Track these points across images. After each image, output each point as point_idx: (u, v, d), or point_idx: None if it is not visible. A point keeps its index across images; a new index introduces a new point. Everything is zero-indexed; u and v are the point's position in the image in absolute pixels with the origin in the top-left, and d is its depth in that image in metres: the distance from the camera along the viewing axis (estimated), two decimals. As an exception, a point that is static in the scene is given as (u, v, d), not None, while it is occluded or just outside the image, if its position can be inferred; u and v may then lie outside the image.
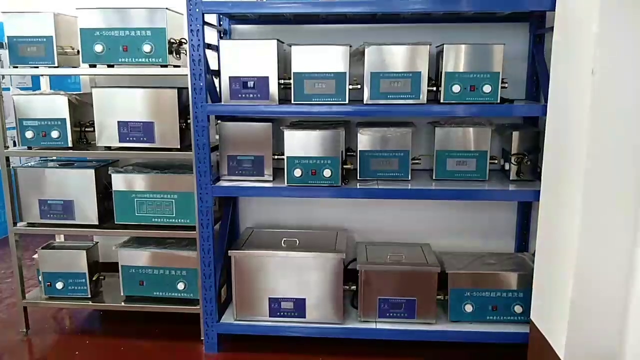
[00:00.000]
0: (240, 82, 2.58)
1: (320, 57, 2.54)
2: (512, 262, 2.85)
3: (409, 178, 2.75)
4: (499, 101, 2.54)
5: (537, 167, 2.73)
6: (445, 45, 2.54)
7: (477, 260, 2.86)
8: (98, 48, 2.62)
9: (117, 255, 2.87)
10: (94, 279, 2.95)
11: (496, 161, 2.80)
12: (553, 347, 2.26)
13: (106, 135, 2.73)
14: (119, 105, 2.70)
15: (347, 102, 2.56)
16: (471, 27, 2.90)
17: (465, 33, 2.88)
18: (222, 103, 2.61)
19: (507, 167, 2.79)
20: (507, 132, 2.82)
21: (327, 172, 2.61)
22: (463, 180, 2.74)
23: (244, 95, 2.59)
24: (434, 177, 2.77)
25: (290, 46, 2.57)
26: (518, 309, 2.68)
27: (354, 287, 2.77)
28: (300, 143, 2.62)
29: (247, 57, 2.57)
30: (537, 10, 2.54)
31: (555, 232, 2.29)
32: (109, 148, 2.77)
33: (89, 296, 2.93)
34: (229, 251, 2.72)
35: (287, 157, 2.63)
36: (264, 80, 2.57)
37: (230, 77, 2.58)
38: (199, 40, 2.49)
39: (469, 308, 2.70)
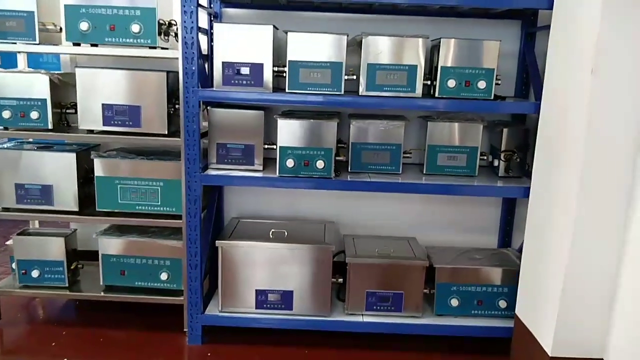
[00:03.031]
0: (234, 68, 2.50)
1: (316, 46, 2.48)
2: (497, 257, 2.89)
3: (400, 172, 2.74)
4: (492, 98, 2.55)
5: (525, 164, 2.76)
6: (442, 39, 2.53)
7: (463, 255, 2.88)
8: (83, 26, 2.49)
9: (97, 244, 2.77)
10: (72, 267, 2.84)
11: (485, 157, 2.82)
12: (539, 341, 2.30)
13: (89, 117, 2.61)
14: (103, 87, 2.58)
15: (342, 92, 2.52)
16: (464, 22, 2.90)
17: (457, 28, 2.88)
18: (214, 89, 2.53)
19: (495, 163, 2.82)
20: (497, 129, 2.84)
21: (320, 164, 2.57)
22: (453, 176, 2.75)
23: (237, 82, 2.52)
24: (424, 172, 2.77)
25: (286, 33, 2.51)
26: (502, 303, 2.71)
27: (340, 280, 2.75)
28: (294, 133, 2.57)
29: (241, 42, 2.49)
30: (533, 8, 2.56)
31: (545, 229, 2.32)
32: (91, 131, 2.65)
33: (67, 285, 2.82)
34: (216, 241, 2.65)
35: (279, 147, 2.58)
36: (259, 67, 2.50)
37: (223, 63, 2.50)
38: (192, 22, 2.40)
39: (454, 302, 2.71)
